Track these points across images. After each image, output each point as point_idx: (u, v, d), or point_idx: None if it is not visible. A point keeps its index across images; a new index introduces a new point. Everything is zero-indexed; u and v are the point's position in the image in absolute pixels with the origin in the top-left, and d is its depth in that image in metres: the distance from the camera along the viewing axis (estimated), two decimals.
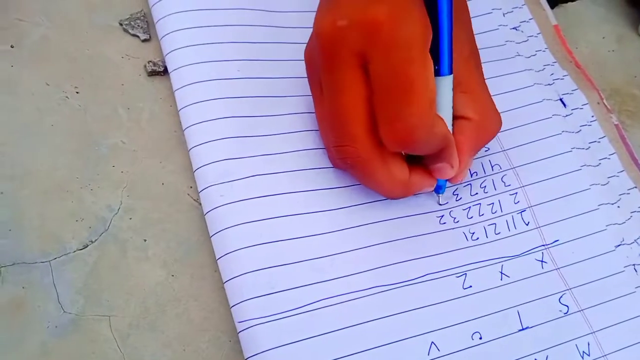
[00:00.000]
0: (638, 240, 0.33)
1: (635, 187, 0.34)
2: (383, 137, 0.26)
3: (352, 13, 0.25)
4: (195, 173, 0.30)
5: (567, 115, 0.35)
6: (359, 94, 0.26)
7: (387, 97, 0.25)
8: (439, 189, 0.31)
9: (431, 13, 0.26)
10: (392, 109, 0.25)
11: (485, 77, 0.31)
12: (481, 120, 0.29)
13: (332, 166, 0.31)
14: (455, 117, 0.29)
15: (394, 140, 0.26)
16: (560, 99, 0.36)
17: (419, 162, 0.30)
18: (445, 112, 0.28)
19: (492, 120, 0.30)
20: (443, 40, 0.27)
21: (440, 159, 0.29)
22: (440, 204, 0.32)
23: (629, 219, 0.33)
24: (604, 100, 0.36)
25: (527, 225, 0.32)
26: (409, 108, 0.25)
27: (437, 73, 0.27)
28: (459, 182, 0.31)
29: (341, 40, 0.25)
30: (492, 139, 0.30)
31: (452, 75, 0.28)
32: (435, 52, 0.27)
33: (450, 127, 0.29)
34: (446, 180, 0.30)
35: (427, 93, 0.25)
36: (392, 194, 0.30)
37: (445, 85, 0.28)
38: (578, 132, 0.35)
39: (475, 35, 0.31)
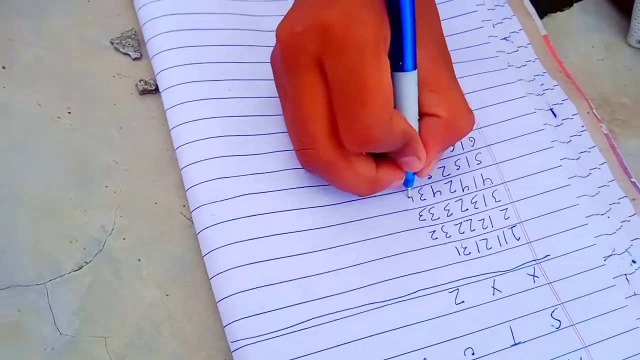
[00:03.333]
0: (629, 250, 0.33)
1: (626, 197, 0.34)
2: (343, 138, 0.27)
3: (307, 18, 0.26)
4: (187, 192, 0.30)
5: (557, 126, 0.36)
6: (319, 96, 0.27)
7: (343, 99, 0.26)
8: (407, 183, 0.31)
9: (393, 10, 0.26)
10: (347, 111, 0.26)
11: (479, 89, 0.31)
12: (450, 119, 0.29)
13: (323, 184, 0.31)
14: (424, 115, 0.29)
15: (352, 141, 0.27)
16: (551, 109, 0.36)
17: (386, 156, 0.30)
18: (410, 108, 0.29)
19: (462, 119, 0.30)
20: (406, 35, 0.27)
21: (406, 154, 0.29)
22: (409, 197, 0.32)
23: (619, 228, 0.33)
24: (594, 110, 0.36)
25: (518, 240, 0.32)
26: (363, 109, 0.26)
27: (401, 69, 0.27)
28: (425, 176, 0.31)
29: (299, 45, 0.26)
30: (462, 137, 0.31)
31: (416, 71, 0.28)
32: (398, 48, 0.27)
33: (415, 123, 0.29)
34: (414, 174, 0.31)
35: (382, 93, 0.26)
36: (360, 192, 0.30)
37: (409, 81, 0.28)
38: (568, 142, 0.35)
39: (467, 49, 0.31)
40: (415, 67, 0.28)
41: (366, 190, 0.30)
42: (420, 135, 0.29)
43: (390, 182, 0.30)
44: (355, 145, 0.27)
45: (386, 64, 0.26)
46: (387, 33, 0.26)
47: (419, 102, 0.29)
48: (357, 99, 0.26)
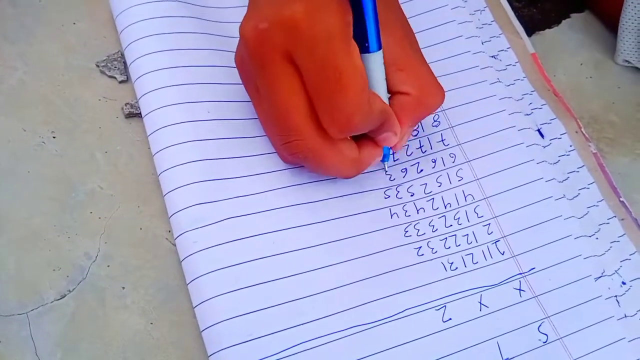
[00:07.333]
0: (618, 271, 0.33)
1: (615, 217, 0.34)
2: (325, 127, 0.27)
3: (271, 15, 0.26)
4: (170, 219, 0.30)
5: (545, 146, 0.35)
6: (294, 88, 0.27)
7: (320, 90, 0.26)
8: (384, 158, 0.32)
9: None
10: (327, 101, 0.27)
11: (460, 104, 0.33)
12: (419, 95, 0.30)
13: (305, 202, 0.31)
14: (393, 93, 0.30)
15: (336, 129, 0.27)
16: (538, 130, 0.36)
17: (363, 136, 0.30)
18: (379, 86, 0.29)
19: (431, 94, 0.31)
20: (368, 17, 0.27)
21: (384, 130, 0.30)
22: (386, 171, 0.33)
23: (609, 249, 0.33)
24: (582, 129, 0.36)
25: (502, 254, 0.32)
26: (342, 97, 0.26)
27: (367, 50, 0.28)
28: (399, 150, 0.32)
29: (266, 42, 0.26)
30: (433, 111, 0.31)
31: (381, 51, 0.28)
32: (362, 31, 0.27)
33: (386, 101, 0.30)
34: (390, 149, 0.31)
35: (357, 78, 0.26)
36: (347, 174, 0.31)
37: (376, 61, 0.28)
38: (557, 162, 0.35)
39: (448, 59, 0.32)
40: (380, 47, 0.28)
41: (352, 172, 0.30)
42: None
43: (372, 160, 0.31)
44: (339, 132, 0.28)
45: (355, 49, 0.27)
46: (350, 18, 0.27)
47: (387, 81, 0.29)
48: (335, 89, 0.26)
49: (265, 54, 0.27)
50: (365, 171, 0.32)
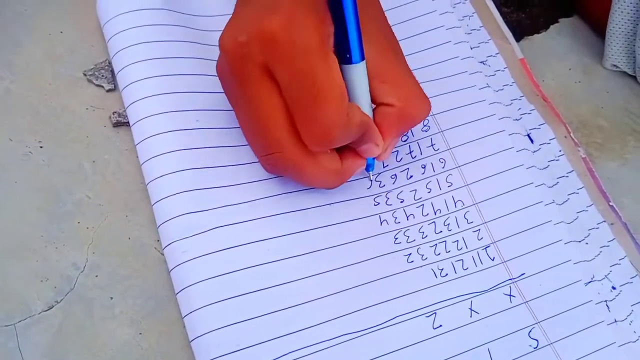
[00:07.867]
0: (608, 276, 0.33)
1: (604, 221, 0.34)
2: (304, 140, 0.27)
3: (249, 27, 0.26)
4: (158, 229, 0.30)
5: (535, 151, 0.36)
6: (274, 101, 0.27)
7: (298, 104, 0.26)
8: (368, 167, 0.32)
9: (335, 4, 0.26)
10: (305, 114, 0.26)
11: (449, 109, 0.32)
12: (404, 107, 0.30)
13: (295, 210, 0.31)
14: (378, 104, 0.30)
15: (314, 143, 0.27)
16: (528, 135, 0.36)
17: (346, 146, 0.30)
18: (363, 98, 0.29)
19: (415, 106, 0.30)
20: (350, 27, 0.27)
21: (365, 141, 0.29)
22: (371, 180, 0.33)
23: (598, 254, 0.33)
24: (571, 134, 0.36)
25: (492, 260, 0.32)
26: (321, 111, 0.26)
27: (349, 61, 0.27)
28: (384, 160, 0.32)
29: (245, 54, 0.26)
30: (419, 122, 0.31)
31: (364, 62, 0.28)
32: (344, 42, 0.27)
33: (369, 112, 0.30)
34: (374, 159, 0.31)
35: (335, 92, 0.26)
36: (329, 185, 0.31)
37: (359, 72, 0.28)
38: (546, 167, 0.35)
39: (436, 65, 0.32)
40: (363, 58, 0.28)
41: (335, 183, 0.30)
42: (374, 123, 0.30)
43: (354, 171, 0.31)
44: (318, 145, 0.28)
45: (334, 62, 0.26)
46: (330, 30, 0.26)
47: (371, 93, 0.29)
48: (312, 103, 0.26)
49: (245, 68, 0.27)
50: (352, 179, 0.32)
